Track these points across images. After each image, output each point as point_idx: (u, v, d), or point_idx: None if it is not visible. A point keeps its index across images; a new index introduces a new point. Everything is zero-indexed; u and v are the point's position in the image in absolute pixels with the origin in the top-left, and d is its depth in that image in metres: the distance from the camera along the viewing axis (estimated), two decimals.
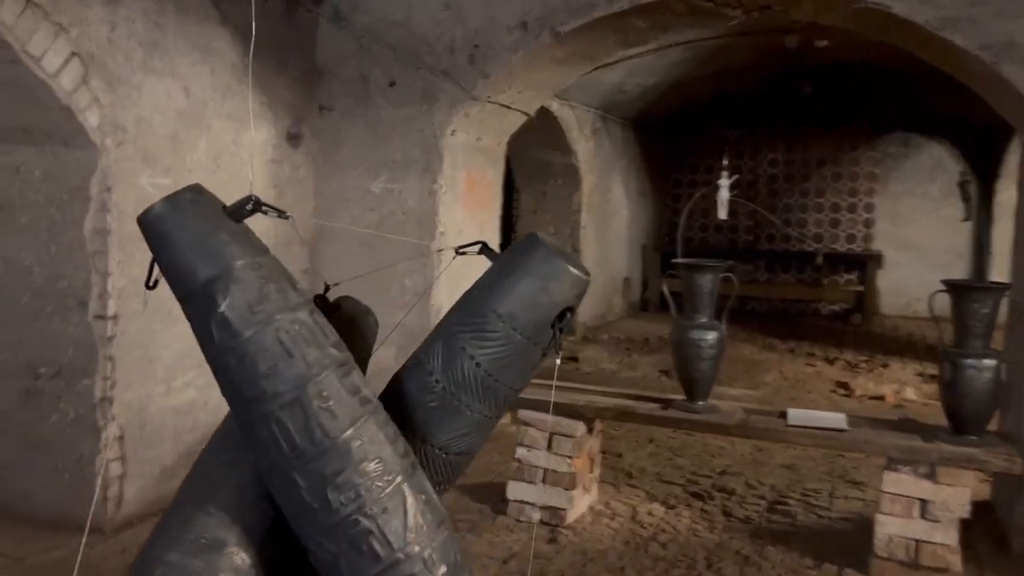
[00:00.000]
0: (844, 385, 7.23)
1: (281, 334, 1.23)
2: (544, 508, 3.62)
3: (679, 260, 3.52)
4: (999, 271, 9.94)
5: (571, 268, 1.47)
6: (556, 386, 3.93)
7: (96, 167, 3.10)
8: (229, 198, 3.60)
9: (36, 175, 3.17)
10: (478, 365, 1.42)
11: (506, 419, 4.13)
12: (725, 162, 3.85)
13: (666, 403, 3.61)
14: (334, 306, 1.59)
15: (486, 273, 1.57)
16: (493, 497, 3.87)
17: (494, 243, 4.69)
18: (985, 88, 3.57)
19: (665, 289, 3.59)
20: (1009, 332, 3.12)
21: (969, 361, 3.02)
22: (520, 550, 3.39)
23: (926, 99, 9.41)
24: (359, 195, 4.21)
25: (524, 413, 3.66)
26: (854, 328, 9.86)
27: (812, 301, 10.83)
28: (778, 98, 9.89)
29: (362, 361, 1.52)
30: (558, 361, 1.51)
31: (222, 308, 1.21)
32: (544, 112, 7.81)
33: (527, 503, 3.65)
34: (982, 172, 10.17)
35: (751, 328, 9.66)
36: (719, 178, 3.93)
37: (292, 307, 1.27)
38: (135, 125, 3.22)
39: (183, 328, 1.61)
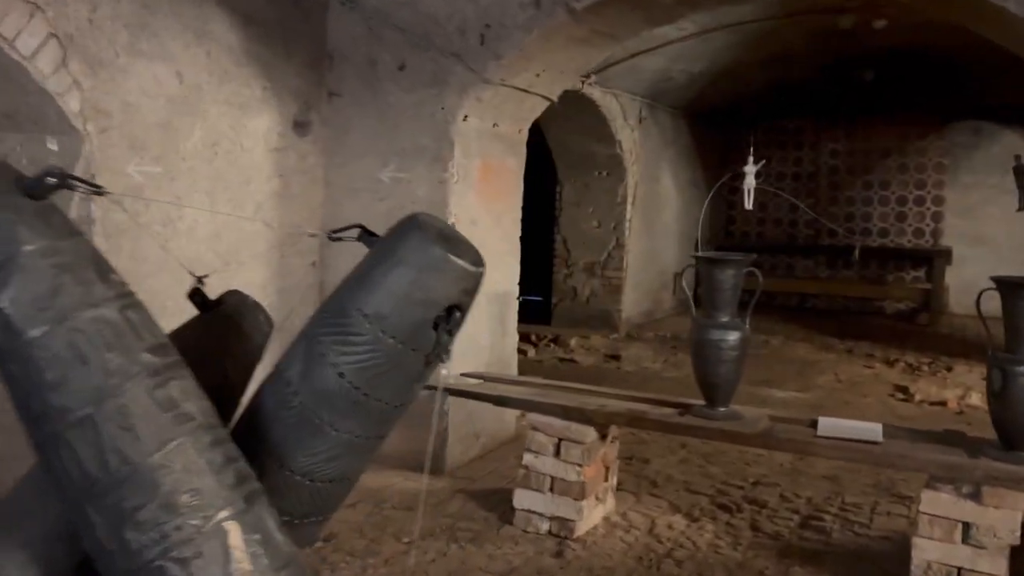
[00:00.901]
0: (903, 389, 6.77)
1: (75, 336, 1.02)
2: (552, 519, 3.39)
3: (698, 254, 3.23)
4: None
5: (454, 257, 1.23)
6: (567, 388, 3.69)
7: (79, 154, 2.99)
8: (229, 187, 3.44)
9: (23, 162, 3.08)
10: (342, 375, 1.19)
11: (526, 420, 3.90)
12: (751, 156, 3.52)
13: (685, 408, 3.32)
14: (215, 302, 1.39)
15: (359, 264, 1.33)
16: (502, 505, 3.65)
17: (512, 237, 4.47)
18: None
19: (684, 284, 3.30)
20: None
21: (1021, 368, 2.67)
22: (520, 565, 3.16)
23: (993, 87, 8.79)
24: (368, 184, 4.04)
25: (531, 416, 3.43)
26: (920, 328, 9.29)
27: (876, 299, 10.27)
28: (839, 86, 9.38)
29: (248, 366, 1.31)
30: (444, 371, 1.26)
31: (1, 303, 1.01)
32: (585, 100, 7.54)
33: (535, 513, 3.42)
34: None
35: (808, 327, 9.21)
36: (745, 164, 3.62)
37: (95, 303, 1.06)
38: (121, 111, 3.10)
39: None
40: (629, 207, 8.46)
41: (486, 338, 4.25)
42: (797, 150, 10.90)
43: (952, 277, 9.87)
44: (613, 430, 3.50)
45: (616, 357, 7.82)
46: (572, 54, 4.01)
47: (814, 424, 3.13)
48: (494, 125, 4.14)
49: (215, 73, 3.50)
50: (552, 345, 8.24)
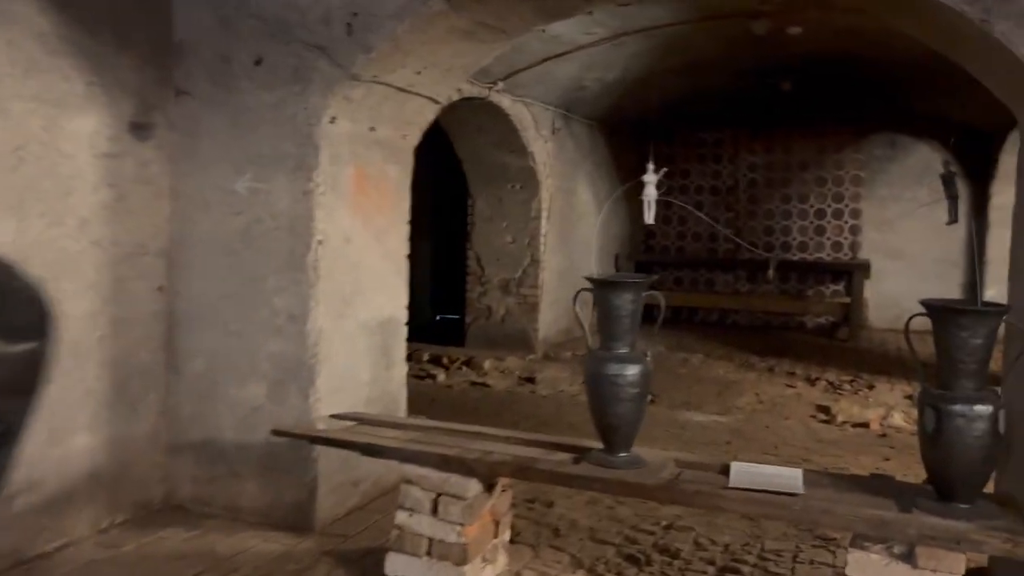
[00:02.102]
0: (825, 409, 6.50)
1: None
2: None
3: (592, 276, 2.80)
4: (996, 280, 9.24)
5: None
6: (448, 430, 3.20)
7: None
8: (42, 199, 2.81)
9: None
10: None
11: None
12: (651, 164, 3.11)
13: (581, 453, 2.87)
14: None
15: None
16: (376, 569, 3.12)
17: (397, 256, 3.97)
18: (977, 63, 2.86)
19: (579, 311, 2.86)
20: (1008, 367, 2.40)
21: (958, 408, 2.30)
22: None
23: (910, 99, 8.73)
24: (221, 196, 3.49)
25: (405, 468, 2.92)
26: (840, 343, 9.14)
27: (796, 314, 10.12)
28: (757, 96, 9.20)
29: None
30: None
31: None
32: (495, 109, 7.12)
33: None
34: (976, 175, 9.48)
35: (729, 343, 8.95)
36: (644, 174, 3.21)
37: None
38: None
39: None
40: (544, 221, 8.06)
41: (365, 372, 3.73)
42: (716, 163, 10.71)
43: (871, 291, 9.79)
44: (504, 480, 3.02)
45: (531, 379, 7.38)
46: (457, 50, 3.55)
47: (726, 470, 2.71)
48: (371, 129, 3.64)
49: (18, 63, 2.91)
50: (465, 368, 7.76)
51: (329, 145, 3.39)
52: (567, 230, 8.60)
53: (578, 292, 2.87)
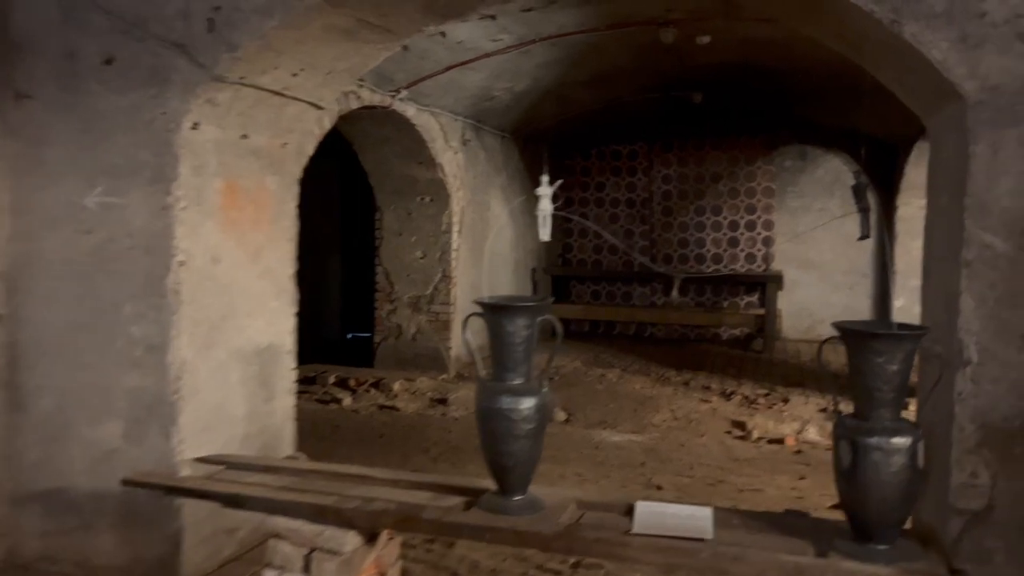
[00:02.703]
0: (740, 425, 6.39)
1: None
2: None
3: (482, 300, 2.52)
4: (904, 291, 9.40)
5: None
6: (327, 473, 2.87)
7: None
8: None
9: None
10: None
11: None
12: (545, 177, 2.86)
13: (474, 496, 2.58)
14: None
15: None
16: None
17: (279, 276, 3.60)
18: (887, 69, 2.71)
19: (468, 338, 2.58)
20: (925, 395, 2.23)
21: (874, 440, 2.10)
22: None
23: (819, 110, 8.82)
24: (69, 212, 3.07)
25: (273, 521, 2.57)
26: (755, 354, 9.12)
27: (711, 326, 10.09)
28: (669, 108, 9.16)
29: None
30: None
31: None
32: (400, 119, 6.80)
33: None
34: (882, 186, 9.65)
35: (646, 357, 8.82)
36: (538, 186, 2.96)
37: None
38: None
39: None
40: (455, 235, 7.76)
41: (240, 406, 3.35)
42: (631, 176, 10.64)
43: (784, 302, 9.83)
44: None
45: (443, 401, 7.06)
46: (339, 51, 3.23)
47: (631, 511, 2.47)
48: (243, 137, 3.29)
49: None
50: (373, 390, 7.38)
51: (192, 154, 3.03)
52: (480, 244, 8.33)
53: (467, 317, 2.59)
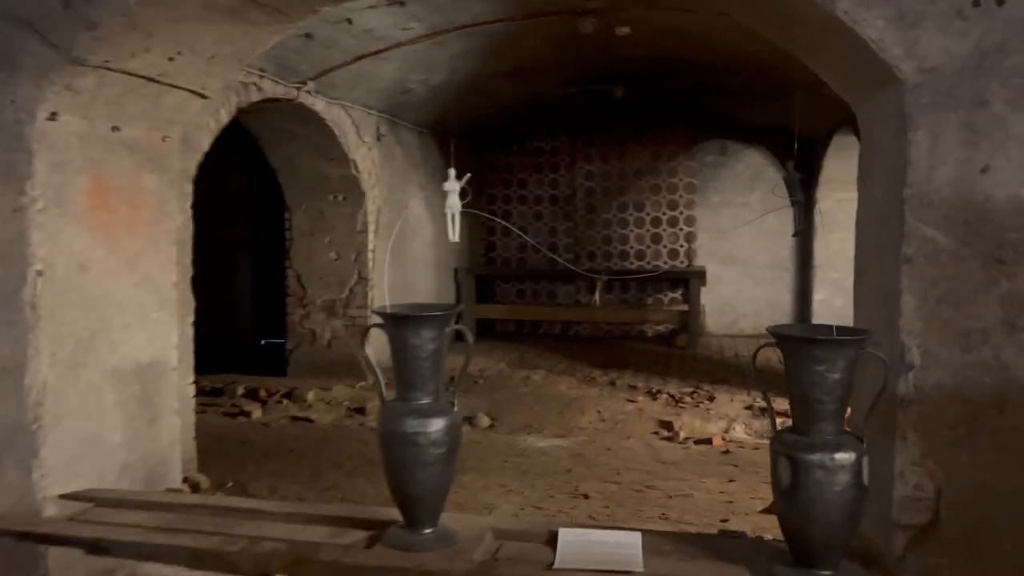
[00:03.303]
0: (667, 425, 6.25)
1: None
2: None
3: (382, 310, 2.24)
4: (824, 284, 9.49)
5: None
6: (212, 508, 2.54)
7: None
8: None
9: None
10: None
11: None
12: (452, 171, 2.59)
13: (380, 530, 2.30)
14: None
15: None
16: None
17: (161, 285, 3.23)
18: (817, 52, 2.53)
19: (369, 353, 2.29)
20: (868, 406, 2.05)
21: (816, 458, 1.91)
22: None
23: (739, 104, 8.81)
24: None
25: (146, 568, 2.23)
26: (679, 351, 9.06)
27: (636, 323, 10.00)
28: (591, 103, 9.01)
29: None
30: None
31: None
32: (309, 112, 6.42)
33: None
34: (801, 180, 9.72)
35: (572, 357, 8.64)
36: (445, 180, 2.69)
37: None
38: None
39: None
40: (371, 235, 7.42)
41: (117, 432, 2.98)
42: (554, 172, 10.46)
43: (707, 297, 9.80)
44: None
45: (361, 410, 6.70)
46: (223, 33, 2.89)
47: (554, 539, 2.22)
48: (114, 129, 2.91)
49: None
50: (285, 401, 6.98)
51: (49, 149, 2.64)
52: (399, 244, 8.00)
53: (366, 330, 2.30)
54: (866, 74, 2.21)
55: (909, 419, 2.11)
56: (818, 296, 9.49)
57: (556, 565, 2.06)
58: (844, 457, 1.91)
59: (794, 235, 2.49)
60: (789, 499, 1.96)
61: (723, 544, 2.24)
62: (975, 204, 2.06)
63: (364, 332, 2.30)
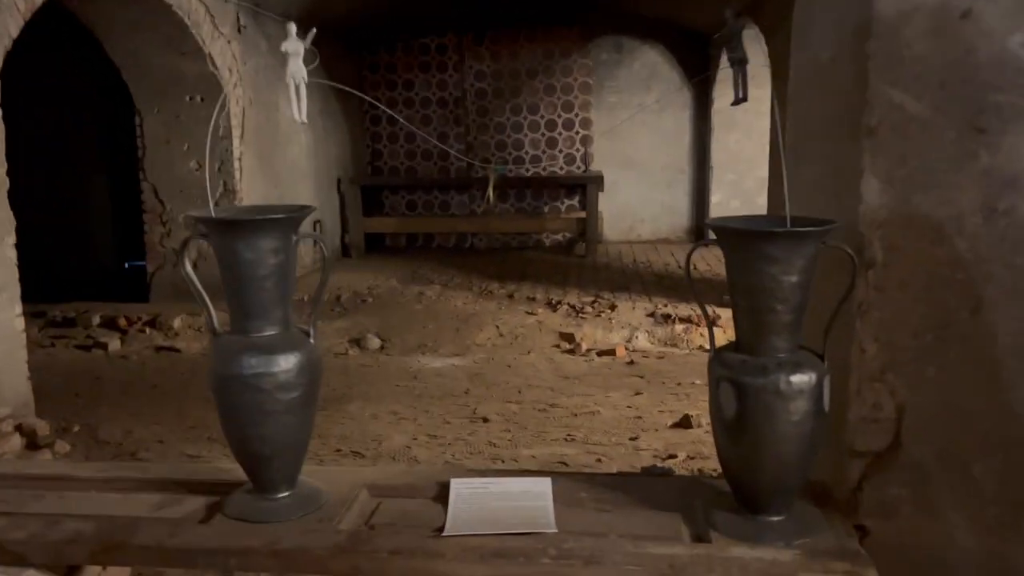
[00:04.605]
0: (569, 337, 5.95)
1: None
2: None
3: (201, 215, 1.69)
4: (721, 185, 9.30)
5: None
6: (12, 476, 1.98)
7: None
8: None
9: None
10: None
11: None
12: (292, 25, 1.99)
13: (224, 495, 1.81)
14: None
15: None
16: None
17: None
18: None
19: (189, 268, 1.74)
20: (832, 316, 1.66)
21: (769, 381, 1.52)
22: None
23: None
24: None
25: None
26: (578, 260, 8.75)
27: (534, 232, 9.62)
28: None
29: None
30: None
31: None
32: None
33: None
34: (694, 79, 9.40)
35: (468, 270, 8.20)
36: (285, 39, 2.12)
37: None
38: None
39: None
40: (237, 141, 6.63)
41: None
42: (442, 72, 9.75)
43: (604, 203, 9.47)
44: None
45: None
46: None
47: (445, 493, 1.79)
48: None
49: None
50: (149, 330, 6.27)
51: None
52: (269, 152, 7.23)
53: (185, 241, 1.75)
54: None
55: (868, 327, 1.75)
56: (715, 198, 9.33)
57: (447, 530, 1.63)
58: (802, 379, 1.53)
59: (734, 103, 2.16)
60: (733, 433, 1.58)
61: (648, 486, 1.86)
62: (954, 60, 1.66)
63: (183, 245, 1.74)
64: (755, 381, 1.53)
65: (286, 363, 1.67)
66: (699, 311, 6.12)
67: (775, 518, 1.62)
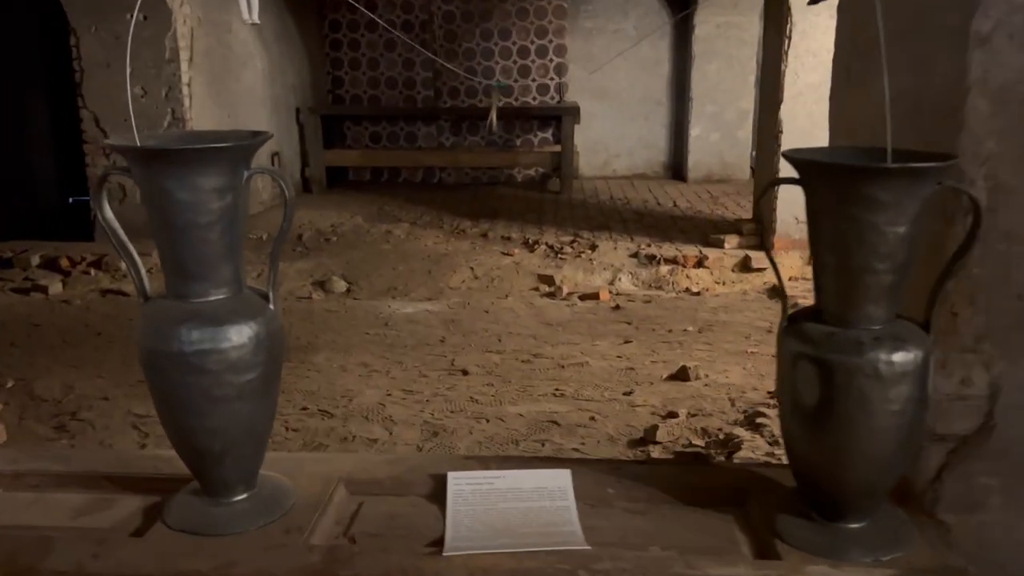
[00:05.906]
0: (548, 280, 5.60)
1: None
2: None
3: (115, 142, 1.28)
4: (701, 118, 8.89)
5: None
6: None
7: None
8: None
9: None
10: None
11: None
12: None
13: (169, 494, 1.45)
14: None
15: None
16: None
17: None
18: None
19: (110, 215, 1.34)
20: (942, 276, 1.33)
21: (863, 360, 1.19)
22: None
23: None
24: None
25: None
26: (553, 196, 8.35)
27: (506, 167, 9.16)
28: None
29: None
30: None
31: None
32: None
33: None
34: (674, 4, 8.91)
35: (438, 207, 7.75)
36: None
37: None
38: None
39: None
40: (185, 65, 6.05)
41: None
42: None
43: (579, 137, 9.02)
44: None
45: None
46: None
47: (441, 489, 1.45)
48: None
49: None
50: (94, 271, 5.78)
51: None
52: (222, 78, 6.65)
53: (103, 176, 1.34)
54: None
55: (964, 286, 1.43)
56: (694, 132, 8.94)
57: (448, 547, 1.29)
58: (906, 358, 1.20)
59: (812, 2, 1.86)
60: (813, 423, 1.25)
61: (685, 477, 1.54)
62: None
63: (99, 182, 1.33)
64: (848, 360, 1.19)
65: (238, 337, 1.30)
66: (683, 252, 5.81)
67: (855, 525, 1.31)
